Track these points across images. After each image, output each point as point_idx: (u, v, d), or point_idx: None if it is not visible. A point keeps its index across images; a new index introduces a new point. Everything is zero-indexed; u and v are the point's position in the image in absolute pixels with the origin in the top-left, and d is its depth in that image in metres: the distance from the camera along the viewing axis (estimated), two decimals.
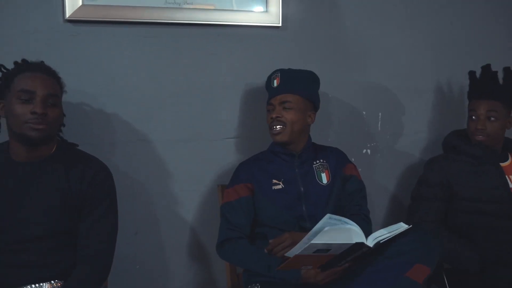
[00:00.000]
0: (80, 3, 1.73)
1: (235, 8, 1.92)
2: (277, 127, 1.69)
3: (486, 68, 1.95)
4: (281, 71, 1.75)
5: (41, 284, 1.41)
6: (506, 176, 1.89)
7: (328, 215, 1.38)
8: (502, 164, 1.93)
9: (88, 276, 1.44)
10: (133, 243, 1.86)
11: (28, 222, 1.41)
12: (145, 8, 1.80)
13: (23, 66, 1.46)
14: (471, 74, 2.01)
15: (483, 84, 1.95)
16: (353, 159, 1.94)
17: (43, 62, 1.51)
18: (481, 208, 1.86)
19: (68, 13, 1.73)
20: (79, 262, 1.46)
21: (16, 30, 1.72)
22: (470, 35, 2.30)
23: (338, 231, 1.36)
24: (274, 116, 1.69)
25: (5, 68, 1.50)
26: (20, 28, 1.72)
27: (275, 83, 1.72)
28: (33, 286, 1.40)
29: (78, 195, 1.46)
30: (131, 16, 1.80)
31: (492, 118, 1.89)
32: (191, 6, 1.86)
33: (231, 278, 1.82)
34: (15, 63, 1.49)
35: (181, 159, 1.93)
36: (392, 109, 2.22)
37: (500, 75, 1.96)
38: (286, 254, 1.48)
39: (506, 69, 1.93)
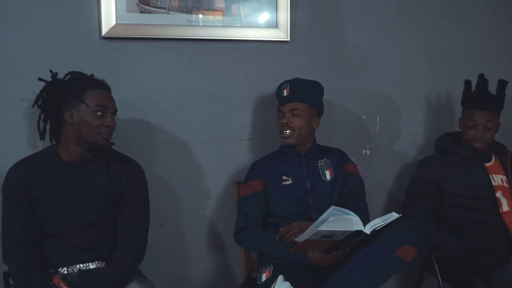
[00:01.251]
0: (114, 22, 1.88)
1: (247, 25, 2.06)
2: (287, 131, 1.85)
3: (484, 79, 2.04)
4: (290, 82, 1.90)
5: (88, 264, 1.60)
6: (490, 175, 2.03)
7: (332, 207, 1.53)
8: (486, 165, 2.06)
9: (126, 258, 1.61)
10: (159, 233, 1.99)
11: (77, 213, 1.59)
12: (169, 26, 1.97)
13: (94, 83, 1.61)
14: (468, 83, 2.09)
15: (483, 95, 2.03)
16: (353, 159, 2.07)
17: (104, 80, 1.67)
18: (467, 203, 1.99)
19: (104, 31, 1.87)
20: (119, 246, 1.63)
21: (58, 45, 1.85)
22: (460, 47, 2.41)
23: (340, 221, 1.51)
24: (284, 122, 1.85)
25: (74, 81, 1.62)
26: (62, 43, 1.86)
27: (285, 92, 1.88)
28: (81, 265, 1.59)
29: (117, 190, 1.64)
30: (158, 33, 1.95)
31: (489, 127, 2.00)
32: (210, 24, 2.01)
33: (246, 264, 1.95)
34: (80, 77, 1.63)
35: (202, 158, 2.07)
36: (389, 114, 2.34)
37: (492, 85, 2.05)
38: (295, 240, 1.65)
39: (500, 81, 2.03)
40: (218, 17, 2.03)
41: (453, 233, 1.99)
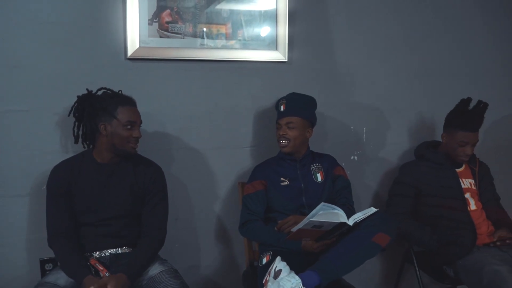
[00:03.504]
0: (138, 46, 2.08)
1: (250, 48, 2.25)
2: (283, 141, 2.05)
3: (470, 103, 2.14)
4: (286, 98, 2.09)
5: (117, 249, 1.83)
6: (460, 179, 2.23)
7: (322, 203, 1.75)
8: (457, 170, 2.26)
9: (149, 245, 1.82)
10: (174, 227, 2.11)
11: (109, 206, 1.81)
12: (184, 48, 2.17)
13: (124, 100, 1.82)
14: (464, 105, 2.15)
15: (478, 118, 2.15)
16: (343, 164, 2.24)
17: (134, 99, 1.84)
18: (440, 202, 2.19)
19: (129, 53, 2.08)
20: (143, 234, 1.85)
21: (89, 65, 2.03)
22: (438, 66, 2.57)
23: (329, 214, 1.73)
24: (281, 133, 2.04)
25: (106, 98, 1.80)
26: (93, 63, 2.04)
27: (282, 108, 2.07)
28: (111, 250, 1.82)
29: (142, 187, 1.86)
30: (175, 55, 2.16)
31: (475, 145, 2.19)
32: (219, 47, 2.22)
33: (248, 254, 2.17)
34: (111, 94, 1.82)
35: (211, 162, 2.25)
36: (374, 124, 2.50)
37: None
38: (291, 230, 1.86)
39: (485, 104, 2.14)
40: (225, 41, 2.24)
41: (428, 228, 2.17)
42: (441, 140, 2.32)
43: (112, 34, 2.09)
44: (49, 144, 2.04)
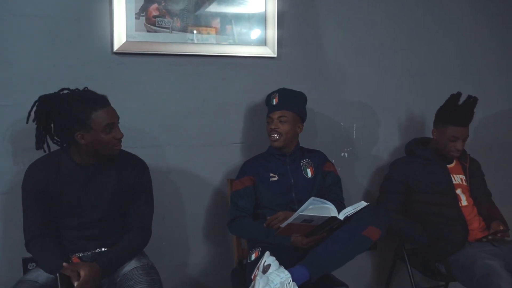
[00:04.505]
0: (125, 40, 2.06)
1: (238, 43, 2.23)
2: (275, 135, 2.03)
3: (474, 99, 2.13)
4: (279, 91, 2.07)
5: (102, 249, 1.77)
6: (451, 175, 2.23)
7: (312, 198, 1.73)
8: (448, 166, 2.25)
9: (129, 242, 1.77)
10: (161, 225, 2.11)
11: (91, 209, 1.75)
12: (172, 43, 2.15)
13: (96, 103, 1.66)
14: (453, 100, 2.15)
15: (468, 113, 2.15)
16: (333, 160, 2.24)
17: (104, 95, 1.71)
18: (431, 198, 2.18)
19: (115, 47, 2.05)
20: (127, 230, 1.79)
21: (75, 59, 2.00)
22: (428, 63, 2.57)
23: (319, 208, 1.71)
24: (273, 127, 2.03)
25: (76, 106, 1.64)
26: (79, 57, 2.01)
27: (274, 101, 2.05)
28: (94, 251, 1.76)
29: (126, 186, 1.79)
30: (162, 49, 2.14)
31: (466, 140, 2.18)
32: (207, 42, 2.20)
33: (237, 251, 2.14)
34: (81, 99, 1.65)
35: (200, 159, 2.22)
36: (364, 121, 2.49)
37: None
38: (280, 226, 1.83)
39: (475, 99, 2.13)
40: (213, 36, 2.22)
41: (418, 224, 2.17)
42: (431, 137, 2.32)
43: (98, 27, 2.07)
44: (31, 141, 1.92)
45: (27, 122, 1.74)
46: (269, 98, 2.11)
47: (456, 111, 2.16)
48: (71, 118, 1.65)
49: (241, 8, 2.27)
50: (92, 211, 1.75)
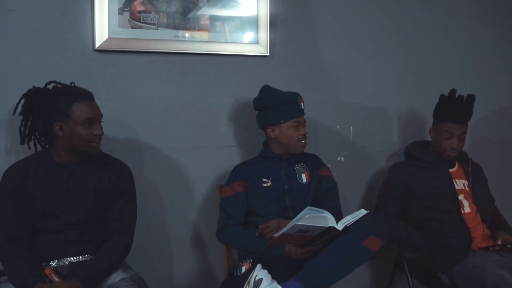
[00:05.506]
0: (107, 36, 1.97)
1: (230, 41, 2.16)
2: (305, 141, 1.97)
3: (460, 95, 2.11)
4: (298, 94, 1.99)
5: (78, 257, 1.67)
6: (453, 180, 2.15)
7: (308, 207, 1.65)
8: (450, 170, 2.18)
9: (112, 250, 1.68)
10: (146, 234, 2.04)
11: (71, 211, 1.67)
12: (158, 40, 2.06)
13: (79, 95, 1.65)
14: (444, 98, 2.15)
15: (460, 110, 2.11)
16: (329, 165, 2.17)
17: (90, 92, 1.69)
18: (432, 204, 2.11)
19: (97, 44, 1.95)
20: (107, 239, 1.71)
21: (54, 56, 1.92)
22: (427, 62, 2.52)
23: (316, 218, 1.63)
24: (305, 133, 1.96)
25: (58, 96, 1.64)
26: (58, 54, 1.92)
27: (302, 105, 1.97)
28: (71, 259, 1.66)
29: (107, 188, 1.72)
30: (147, 47, 2.04)
31: (462, 138, 2.13)
32: (196, 39, 2.11)
33: (227, 262, 2.05)
34: (63, 90, 1.66)
35: (187, 164, 2.14)
36: (361, 124, 2.43)
37: None
38: (273, 236, 1.73)
39: (469, 96, 2.11)
40: (203, 33, 2.14)
41: (418, 232, 2.09)
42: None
43: (78, 23, 1.97)
44: (12, 142, 1.89)
45: (13, 114, 1.73)
46: (295, 100, 1.98)
47: (449, 107, 2.13)
48: (51, 108, 1.63)
49: (233, 4, 2.19)
50: (71, 212, 1.68)
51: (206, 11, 2.15)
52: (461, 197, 2.15)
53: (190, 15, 2.12)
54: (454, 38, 2.60)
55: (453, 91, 2.14)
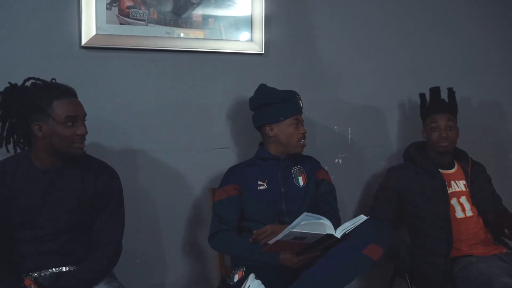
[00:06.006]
0: (94, 33, 1.90)
1: (224, 38, 2.10)
2: (305, 140, 1.92)
3: (436, 90, 2.16)
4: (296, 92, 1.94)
5: (61, 268, 1.58)
6: (450, 187, 2.08)
7: (305, 213, 1.58)
8: (449, 171, 2.13)
9: (97, 261, 1.60)
10: (135, 239, 1.98)
11: (53, 219, 1.57)
12: (148, 37, 1.99)
13: (59, 92, 1.53)
14: (423, 96, 2.20)
15: (439, 101, 2.15)
16: (327, 168, 2.12)
17: (73, 88, 1.59)
18: (421, 213, 2.05)
19: (83, 41, 1.89)
20: (94, 248, 1.61)
21: (39, 53, 1.86)
22: (428, 62, 2.48)
23: (313, 224, 1.56)
24: (304, 132, 1.91)
25: (37, 92, 1.53)
26: (42, 51, 1.87)
27: (301, 103, 1.93)
28: (54, 269, 1.57)
29: (92, 195, 1.61)
30: (137, 44, 1.98)
31: (451, 126, 2.09)
32: (188, 36, 2.05)
33: (220, 269, 1.97)
34: (43, 86, 1.56)
35: (179, 166, 2.09)
36: (360, 125, 2.39)
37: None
38: (268, 242, 1.67)
39: (449, 90, 2.16)
40: (195, 30, 2.07)
41: (405, 243, 2.08)
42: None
43: (64, 19, 1.91)
44: None
45: None
46: (294, 98, 1.94)
47: (430, 101, 2.18)
48: (30, 106, 1.52)
49: (227, 1, 2.13)
50: (52, 221, 1.58)
51: (200, 9, 2.08)
52: (462, 199, 2.09)
53: (183, 13, 2.05)
54: (454, 37, 2.57)
55: (430, 89, 2.18)
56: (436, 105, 2.15)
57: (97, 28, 1.92)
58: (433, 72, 2.50)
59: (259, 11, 2.15)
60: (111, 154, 1.94)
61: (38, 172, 1.58)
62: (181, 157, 2.10)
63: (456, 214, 2.06)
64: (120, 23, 1.97)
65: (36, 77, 1.62)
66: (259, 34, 2.16)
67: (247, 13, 2.14)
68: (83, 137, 1.56)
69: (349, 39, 2.35)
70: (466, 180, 2.14)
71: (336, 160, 2.38)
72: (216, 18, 2.10)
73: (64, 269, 1.59)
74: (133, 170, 2.03)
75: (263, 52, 2.17)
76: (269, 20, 2.18)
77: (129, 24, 1.98)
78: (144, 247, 2.06)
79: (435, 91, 2.18)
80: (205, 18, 2.09)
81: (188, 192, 2.13)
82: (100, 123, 1.91)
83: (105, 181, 1.65)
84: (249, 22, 2.15)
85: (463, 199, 2.09)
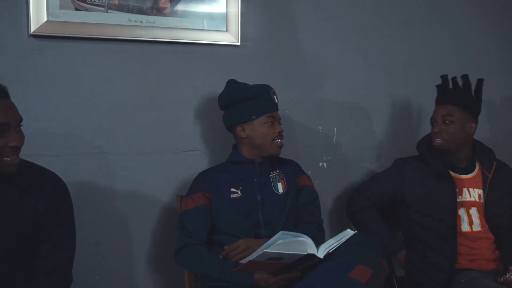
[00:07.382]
0: (45, 19, 1.75)
1: (195, 28, 1.97)
2: (282, 140, 1.78)
3: (444, 77, 1.97)
4: (270, 86, 1.81)
5: None
6: (461, 195, 1.90)
7: (281, 232, 1.45)
8: (466, 176, 1.94)
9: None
10: (93, 253, 1.87)
11: None
12: (108, 25, 1.85)
13: None
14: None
15: (443, 90, 1.97)
16: (309, 172, 2.02)
17: (4, 86, 1.36)
18: (426, 221, 1.90)
19: (32, 28, 1.74)
20: (38, 275, 1.40)
21: None
22: (421, 55, 2.40)
23: (291, 243, 1.43)
24: (281, 130, 1.77)
25: None
26: None
27: (276, 99, 1.79)
28: None
29: (33, 221, 1.39)
30: (95, 32, 1.84)
31: (447, 122, 1.87)
32: (154, 25, 1.91)
33: (189, 284, 1.82)
34: None
35: (143, 170, 1.96)
36: (346, 124, 2.29)
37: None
38: (240, 261, 1.54)
39: (464, 76, 1.94)
40: (162, 18, 1.93)
41: (391, 228, 1.98)
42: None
43: (10, 2, 1.76)
44: None
45: None
46: (267, 93, 1.80)
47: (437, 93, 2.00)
48: None
49: None
50: None
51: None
52: (473, 210, 1.91)
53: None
54: (451, 30, 2.48)
55: (443, 76, 1.99)
56: (439, 95, 1.97)
57: (48, 14, 1.78)
58: (427, 68, 2.41)
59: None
60: (65, 157, 1.82)
61: None
62: (146, 161, 1.98)
63: (462, 227, 1.89)
64: (76, 9, 1.83)
65: None
66: (235, 24, 2.05)
67: (222, 1, 2.01)
68: (16, 149, 1.32)
69: (335, 30, 2.26)
70: (483, 189, 1.94)
71: (320, 164, 2.28)
72: (186, 4, 1.96)
73: None
74: (89, 175, 1.89)
75: (239, 43, 2.06)
76: (246, 9, 2.07)
77: (86, 10, 1.83)
78: (105, 261, 1.93)
79: (442, 79, 1.98)
80: (174, 4, 1.94)
81: (154, 199, 2.00)
82: (51, 122, 1.81)
83: (50, 197, 1.43)
84: (224, 10, 2.02)
85: (473, 211, 1.92)
